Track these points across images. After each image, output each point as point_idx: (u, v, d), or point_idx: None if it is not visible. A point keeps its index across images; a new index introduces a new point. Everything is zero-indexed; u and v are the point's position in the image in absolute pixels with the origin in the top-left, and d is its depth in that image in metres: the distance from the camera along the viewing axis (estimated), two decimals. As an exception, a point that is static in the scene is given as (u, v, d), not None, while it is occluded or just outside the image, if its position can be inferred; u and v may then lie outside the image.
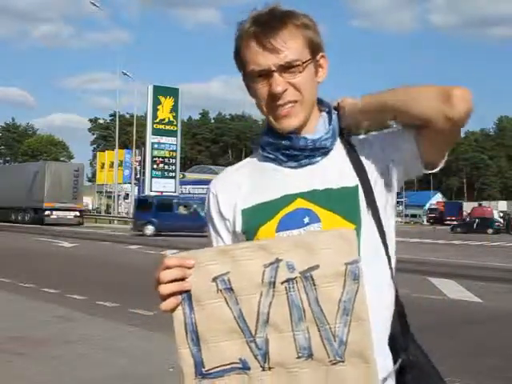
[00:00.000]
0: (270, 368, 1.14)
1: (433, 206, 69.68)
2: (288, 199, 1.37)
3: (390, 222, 1.41)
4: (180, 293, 1.15)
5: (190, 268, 1.16)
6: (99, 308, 8.46)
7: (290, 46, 1.34)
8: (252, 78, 1.37)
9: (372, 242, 1.35)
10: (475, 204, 65.50)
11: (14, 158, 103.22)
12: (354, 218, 1.34)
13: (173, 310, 1.16)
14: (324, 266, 1.12)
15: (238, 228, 1.41)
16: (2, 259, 14.85)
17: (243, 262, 1.13)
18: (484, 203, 68.94)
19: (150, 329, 6.69)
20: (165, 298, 1.16)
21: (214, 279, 1.14)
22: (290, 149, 1.39)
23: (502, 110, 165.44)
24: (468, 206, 63.23)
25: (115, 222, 44.98)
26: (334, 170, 1.38)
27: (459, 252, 22.22)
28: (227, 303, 1.14)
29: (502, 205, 73.26)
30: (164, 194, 41.81)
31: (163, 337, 5.69)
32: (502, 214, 55.85)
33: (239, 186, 1.44)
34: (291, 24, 1.36)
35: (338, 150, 1.42)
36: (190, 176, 58.03)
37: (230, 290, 1.14)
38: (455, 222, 53.00)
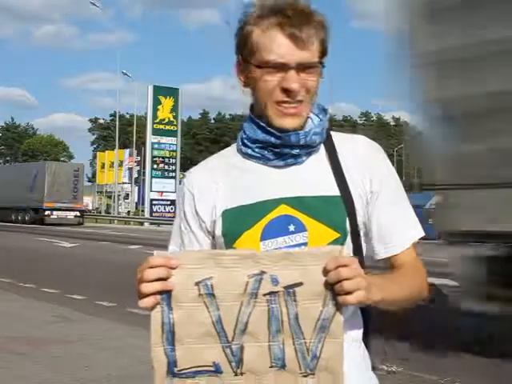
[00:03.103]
0: (242, 373, 1.16)
1: (433, 206, 69.67)
2: (272, 204, 1.34)
3: (364, 237, 1.39)
4: (160, 292, 1.15)
5: (174, 268, 1.14)
6: (99, 308, 8.46)
7: (313, 45, 1.32)
8: (264, 67, 1.32)
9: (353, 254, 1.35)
10: (475, 204, 65.33)
11: (13, 158, 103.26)
12: (338, 227, 1.33)
13: (151, 308, 1.16)
14: (308, 284, 1.13)
15: (218, 230, 1.39)
16: (2, 259, 14.85)
17: (228, 269, 1.13)
18: (484, 203, 68.80)
19: (150, 328, 6.68)
20: (145, 295, 1.15)
21: (197, 283, 1.14)
22: (281, 146, 1.36)
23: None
24: (468, 206, 63.16)
25: (115, 221, 44.99)
26: (318, 174, 1.36)
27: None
28: (207, 308, 1.14)
29: (502, 205, 73.16)
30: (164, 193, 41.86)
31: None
32: (502, 214, 55.78)
33: (218, 185, 1.41)
34: (315, 22, 1.33)
35: (322, 152, 1.39)
36: (190, 176, 57.86)
37: (212, 295, 1.14)
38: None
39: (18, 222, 37.98)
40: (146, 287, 1.15)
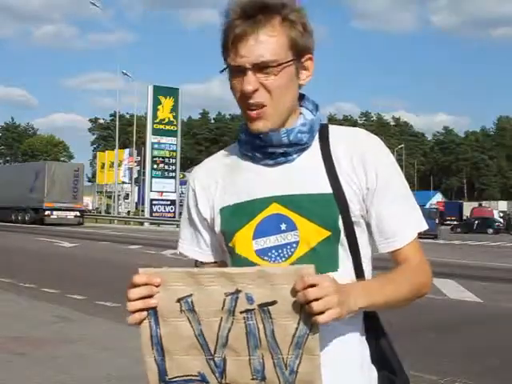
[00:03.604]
0: None
1: (433, 206, 69.77)
2: (264, 203, 1.35)
3: (362, 233, 1.37)
4: (147, 309, 1.19)
5: (157, 286, 1.17)
6: (99, 308, 8.46)
7: (269, 44, 1.28)
8: (230, 71, 1.33)
9: (346, 253, 1.34)
10: (475, 204, 65.48)
11: (13, 158, 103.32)
12: (329, 225, 1.32)
13: (139, 324, 1.20)
14: (281, 302, 1.15)
15: (217, 228, 1.42)
16: (2, 259, 14.85)
17: (206, 287, 1.18)
18: (484, 203, 68.92)
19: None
20: (132, 312, 1.19)
21: (179, 300, 1.19)
22: (266, 147, 1.36)
23: (502, 109, 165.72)
24: (468, 206, 63.22)
25: (115, 221, 44.99)
26: (309, 172, 1.35)
27: (459, 252, 22.23)
28: (190, 323, 1.19)
29: (502, 205, 73.24)
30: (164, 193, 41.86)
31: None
32: (502, 214, 55.85)
33: (216, 183, 1.43)
34: (277, 19, 1.30)
35: (315, 149, 1.37)
36: (190, 176, 57.90)
37: (193, 311, 1.19)
38: (455, 222, 53.03)
39: (18, 222, 37.97)
40: (129, 306, 1.19)
